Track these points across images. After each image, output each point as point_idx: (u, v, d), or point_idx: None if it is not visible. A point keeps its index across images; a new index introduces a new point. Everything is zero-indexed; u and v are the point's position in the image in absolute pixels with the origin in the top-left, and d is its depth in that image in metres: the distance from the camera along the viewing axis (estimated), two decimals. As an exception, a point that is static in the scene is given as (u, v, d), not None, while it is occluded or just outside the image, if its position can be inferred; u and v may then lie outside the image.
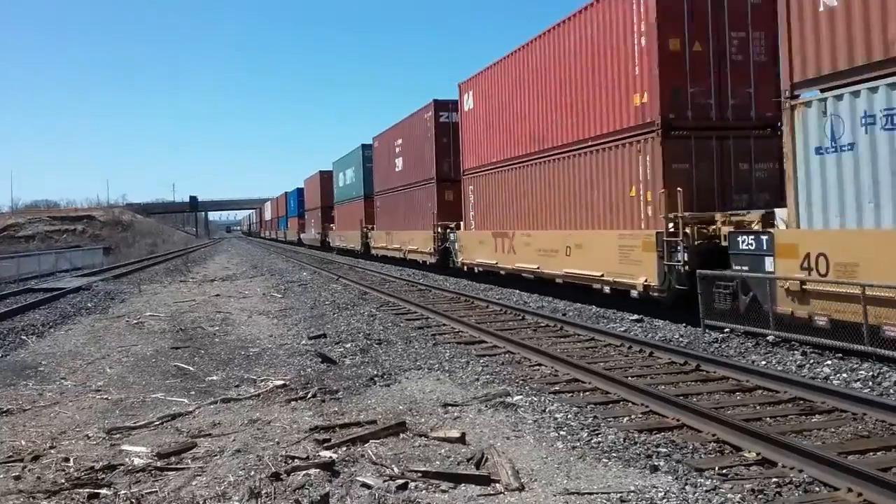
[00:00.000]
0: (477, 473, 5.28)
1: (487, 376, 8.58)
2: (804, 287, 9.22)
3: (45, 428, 7.06)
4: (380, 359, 9.86)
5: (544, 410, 7.00)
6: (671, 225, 11.75)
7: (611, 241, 13.41)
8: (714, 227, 11.43)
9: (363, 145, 36.12)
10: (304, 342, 11.59)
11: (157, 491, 5.21)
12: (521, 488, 5.00)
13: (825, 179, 9.07)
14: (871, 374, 7.87)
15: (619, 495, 4.78)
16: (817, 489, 5.01)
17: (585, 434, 6.22)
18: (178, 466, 5.72)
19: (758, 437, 5.78)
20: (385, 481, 5.15)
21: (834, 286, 8.74)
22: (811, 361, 8.65)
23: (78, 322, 15.33)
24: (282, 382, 8.47)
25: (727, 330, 10.44)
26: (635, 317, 12.61)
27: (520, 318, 13.56)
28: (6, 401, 8.23)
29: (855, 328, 8.41)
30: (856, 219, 8.66)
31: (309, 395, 7.82)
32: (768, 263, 9.83)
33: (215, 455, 5.94)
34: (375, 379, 8.54)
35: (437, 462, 5.59)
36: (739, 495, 4.80)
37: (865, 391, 7.31)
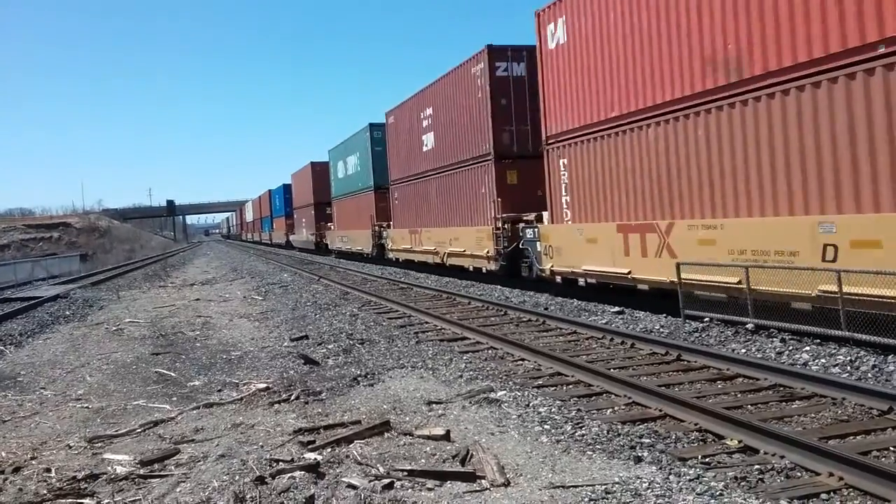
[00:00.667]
0: (462, 470, 5.28)
1: (471, 373, 8.59)
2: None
3: (25, 438, 6.98)
4: (363, 358, 9.84)
5: (528, 405, 7.03)
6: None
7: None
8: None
9: (371, 125, 29.99)
10: (286, 344, 11.54)
11: (140, 499, 5.17)
12: (507, 483, 5.01)
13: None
14: (849, 358, 7.97)
15: (603, 487, 4.80)
16: (799, 474, 5.07)
17: (569, 427, 6.25)
18: (162, 473, 5.67)
19: (739, 425, 5.84)
20: (371, 481, 5.14)
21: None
22: (790, 348, 8.75)
23: (56, 330, 15.16)
24: (264, 385, 8.43)
25: (707, 319, 10.53)
26: (616, 309, 12.68)
27: (502, 313, 13.59)
28: (-15, 413, 8.12)
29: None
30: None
31: (292, 398, 7.79)
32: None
33: (199, 461, 5.90)
34: (359, 379, 8.52)
35: (423, 460, 5.60)
36: (723, 483, 4.85)
37: (844, 376, 7.40)
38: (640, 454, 5.50)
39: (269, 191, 69.58)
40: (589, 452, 5.60)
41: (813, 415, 6.37)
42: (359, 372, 8.87)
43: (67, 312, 18.20)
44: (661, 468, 5.17)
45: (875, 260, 8.00)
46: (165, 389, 8.88)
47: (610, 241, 13.02)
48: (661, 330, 10.68)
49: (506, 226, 17.49)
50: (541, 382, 8.10)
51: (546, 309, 13.55)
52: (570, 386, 7.94)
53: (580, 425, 6.30)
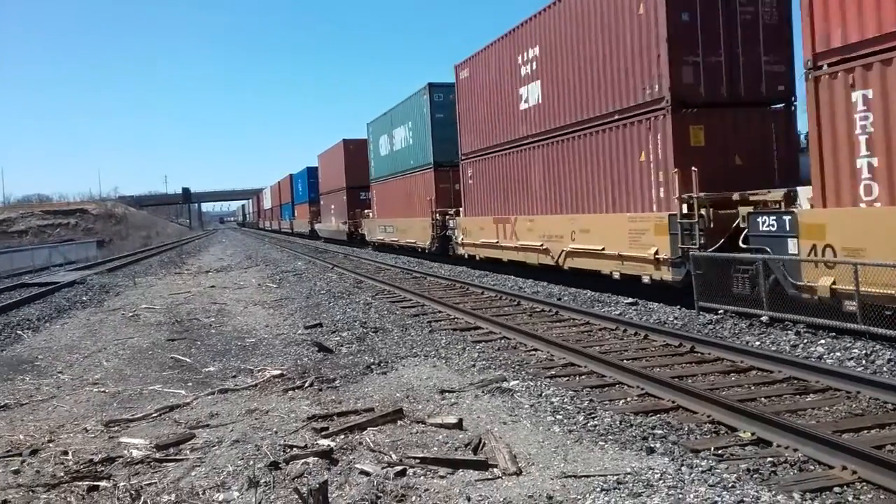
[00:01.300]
0: (474, 459, 5.31)
1: (483, 362, 8.61)
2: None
3: (42, 422, 7.07)
4: (376, 347, 9.88)
5: (540, 395, 7.04)
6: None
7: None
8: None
9: (431, 86, 24.22)
10: (300, 332, 11.60)
11: (156, 482, 5.23)
12: (519, 472, 5.03)
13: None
14: (864, 352, 7.92)
15: (615, 477, 4.81)
16: (812, 468, 5.06)
17: (582, 417, 6.26)
18: (177, 458, 5.74)
19: (753, 417, 5.82)
20: (383, 468, 5.17)
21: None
22: (805, 341, 8.70)
23: (73, 316, 15.31)
24: (279, 372, 8.49)
25: (721, 311, 10.48)
26: (630, 300, 12.65)
27: (515, 303, 13.59)
28: (3, 395, 8.24)
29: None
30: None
31: (306, 385, 7.84)
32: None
33: (214, 446, 5.96)
34: (372, 367, 8.56)
35: (435, 448, 5.62)
36: (735, 475, 4.84)
37: (859, 370, 7.36)
38: (652, 445, 5.50)
39: (291, 175, 62.92)
40: (601, 443, 5.61)
41: (827, 408, 6.34)
42: (372, 360, 8.91)
43: (84, 298, 18.38)
44: (673, 459, 5.16)
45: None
46: (181, 375, 8.96)
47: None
48: (675, 321, 10.65)
49: (701, 211, 11.13)
50: (553, 372, 8.11)
51: (559, 299, 13.53)
52: (583, 376, 7.94)
53: (592, 415, 6.30)
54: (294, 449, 5.65)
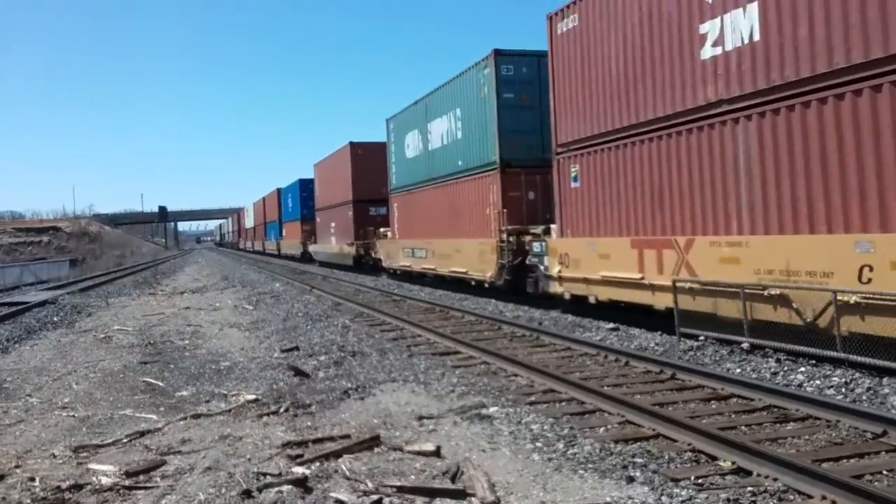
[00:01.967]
0: (452, 487, 5.21)
1: (463, 388, 8.51)
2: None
3: (10, 446, 6.87)
4: (354, 371, 9.75)
5: (520, 422, 6.96)
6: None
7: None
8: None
9: (498, 54, 17.72)
10: (276, 355, 11.44)
11: (124, 511, 5.07)
12: (497, 501, 4.94)
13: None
14: (843, 380, 7.94)
15: (596, 508, 4.74)
16: (792, 497, 5.01)
17: (562, 445, 6.19)
18: (147, 485, 5.58)
19: (733, 446, 5.78)
20: (359, 497, 5.06)
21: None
22: (785, 368, 8.71)
23: (44, 337, 15.01)
24: (253, 397, 8.33)
25: (702, 337, 10.48)
26: (611, 325, 12.63)
27: (496, 328, 13.52)
28: (-32, 419, 8.00)
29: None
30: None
31: (281, 410, 7.70)
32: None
33: (185, 473, 5.80)
34: (349, 392, 8.43)
35: (413, 476, 5.52)
36: (717, 505, 4.78)
37: (839, 398, 7.36)
38: (632, 474, 5.44)
39: (279, 190, 56.11)
40: (581, 471, 5.54)
41: (807, 437, 6.32)
42: (349, 385, 8.79)
43: (55, 318, 18.03)
44: (653, 488, 5.11)
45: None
46: (153, 399, 8.77)
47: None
48: (656, 348, 10.63)
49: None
50: (533, 399, 8.02)
51: (540, 324, 13.49)
52: (563, 403, 7.87)
53: (572, 443, 6.23)
54: (268, 477, 5.51)
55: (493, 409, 7.41)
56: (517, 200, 17.53)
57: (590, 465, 5.66)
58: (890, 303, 7.86)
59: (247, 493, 5.17)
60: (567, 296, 14.62)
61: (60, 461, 6.34)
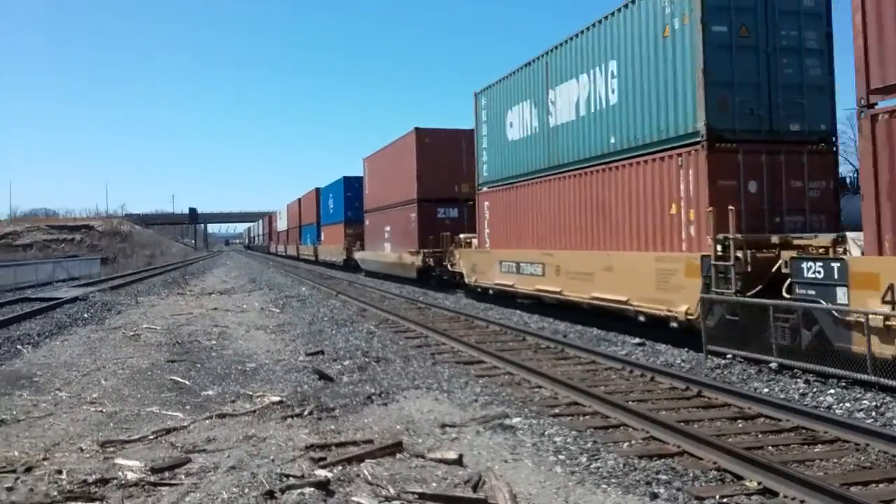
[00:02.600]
0: (474, 496, 5.20)
1: (486, 397, 8.50)
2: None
3: (38, 439, 6.98)
4: (378, 377, 9.77)
5: (543, 433, 6.93)
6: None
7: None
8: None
9: None
10: (301, 358, 11.51)
11: (149, 507, 5.13)
12: (520, 513, 4.92)
13: None
14: (874, 404, 7.80)
15: (619, 523, 4.70)
16: (820, 521, 4.93)
17: (585, 459, 6.15)
18: (172, 482, 5.64)
19: (759, 466, 5.71)
20: (380, 502, 5.07)
21: None
22: (814, 390, 8.58)
23: (74, 333, 15.24)
24: (278, 399, 8.39)
25: (729, 356, 10.36)
26: (637, 340, 12.54)
27: (520, 338, 13.48)
28: (0, 411, 8.14)
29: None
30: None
31: (305, 413, 7.74)
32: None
33: (209, 471, 5.85)
34: (373, 397, 8.45)
35: (434, 484, 5.51)
36: (742, 525, 4.72)
37: (868, 421, 7.23)
38: (656, 490, 5.39)
39: (317, 189, 50.87)
40: (604, 485, 5.50)
41: (835, 459, 6.22)
42: (373, 390, 8.81)
43: (86, 315, 18.32)
44: (678, 506, 5.05)
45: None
46: (179, 397, 8.86)
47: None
48: (683, 364, 10.53)
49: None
50: (557, 411, 7.98)
51: (565, 336, 13.42)
52: (587, 416, 7.82)
53: (596, 457, 6.19)
54: (290, 478, 5.54)
55: (516, 420, 7.38)
56: (730, 193, 11.48)
57: (613, 480, 5.62)
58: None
59: (269, 494, 5.20)
60: None
61: (87, 455, 6.42)
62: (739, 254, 10.56)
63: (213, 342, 13.57)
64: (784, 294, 9.85)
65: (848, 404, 7.91)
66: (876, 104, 8.67)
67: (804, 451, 6.49)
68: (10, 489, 5.49)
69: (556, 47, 16.40)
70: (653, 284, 12.43)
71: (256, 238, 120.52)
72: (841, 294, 8.89)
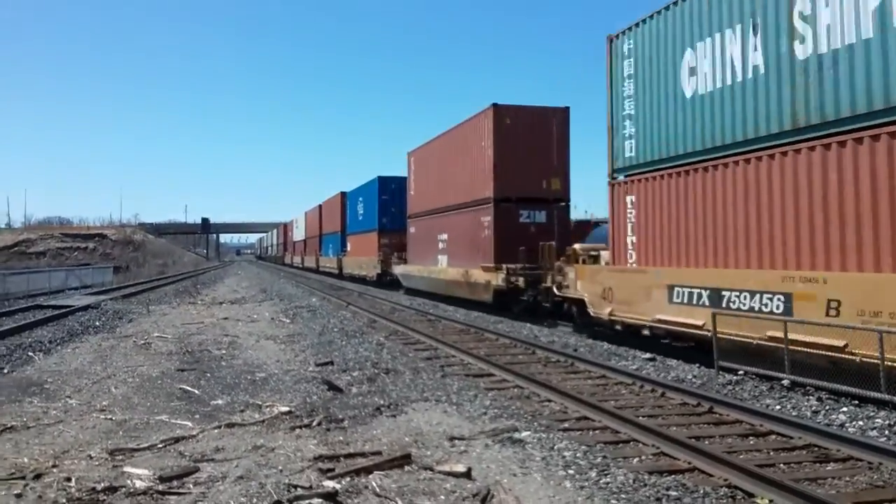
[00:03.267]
0: (483, 510, 5.17)
1: (496, 410, 8.46)
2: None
3: (48, 446, 7.00)
4: (387, 388, 9.76)
5: (553, 448, 6.89)
6: None
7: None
8: None
9: None
10: (310, 369, 11.51)
11: (157, 516, 5.12)
12: (529, 528, 4.88)
13: None
14: (888, 422, 7.71)
15: (628, 539, 4.65)
16: (833, 540, 4.87)
17: (594, 474, 6.10)
18: (180, 491, 5.63)
19: (771, 484, 5.65)
20: (389, 515, 5.04)
21: None
22: (827, 407, 8.50)
23: (85, 340, 15.31)
24: (287, 409, 8.39)
25: (741, 372, 10.29)
26: (648, 355, 12.47)
27: (530, 352, 13.43)
28: (11, 417, 8.18)
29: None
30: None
31: (314, 423, 7.73)
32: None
33: (217, 481, 5.85)
34: (382, 409, 8.43)
35: (442, 497, 5.49)
36: (753, 544, 4.67)
37: (882, 440, 7.15)
38: (666, 507, 5.34)
39: (343, 193, 45.58)
40: (613, 501, 5.46)
41: (848, 478, 6.15)
42: (382, 402, 8.79)
43: (97, 323, 18.40)
44: (688, 523, 5.00)
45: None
46: (189, 406, 8.87)
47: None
48: (694, 380, 10.46)
49: None
50: (567, 425, 7.94)
51: (575, 350, 13.36)
52: (597, 431, 7.77)
53: (605, 472, 6.14)
54: (298, 489, 5.52)
55: (525, 434, 7.34)
56: None
57: (623, 496, 5.57)
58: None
59: (277, 505, 5.19)
60: None
61: (96, 463, 6.43)
62: None
63: (223, 351, 13.59)
64: None
65: (861, 422, 7.83)
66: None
67: (816, 469, 6.42)
68: (18, 496, 5.50)
69: None
70: None
71: (270, 248, 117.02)
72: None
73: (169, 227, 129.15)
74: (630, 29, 14.26)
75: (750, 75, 10.95)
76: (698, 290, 11.75)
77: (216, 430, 7.56)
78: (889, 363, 8.12)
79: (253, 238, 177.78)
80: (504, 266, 19.43)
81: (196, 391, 9.76)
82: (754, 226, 10.77)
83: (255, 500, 5.32)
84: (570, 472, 6.16)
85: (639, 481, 5.93)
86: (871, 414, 8.08)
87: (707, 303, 11.43)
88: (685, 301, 12.04)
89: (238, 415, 8.32)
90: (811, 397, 8.95)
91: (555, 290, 16.82)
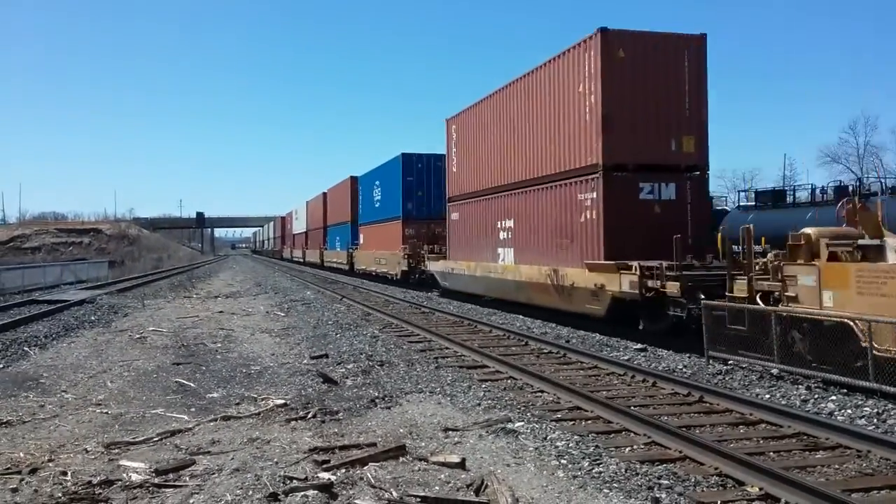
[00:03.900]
0: (476, 500, 5.23)
1: (489, 401, 8.53)
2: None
3: (44, 440, 7.04)
4: (381, 380, 9.81)
5: (545, 438, 6.95)
6: None
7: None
8: None
9: None
10: (305, 361, 11.56)
11: (153, 508, 5.17)
12: (521, 516, 4.95)
13: None
14: (875, 410, 7.80)
15: (619, 527, 4.72)
16: (820, 526, 4.94)
17: (587, 463, 6.17)
18: (176, 484, 5.68)
19: (761, 472, 5.72)
20: (383, 505, 5.10)
21: None
22: (815, 396, 8.59)
23: (81, 335, 15.32)
24: (282, 402, 8.44)
25: (731, 362, 10.38)
26: (639, 346, 12.55)
27: (523, 343, 13.50)
28: (6, 412, 8.21)
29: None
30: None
31: (309, 416, 7.79)
32: None
33: (213, 473, 5.90)
34: (376, 401, 8.49)
35: (437, 487, 5.55)
36: (741, 530, 4.74)
37: (870, 428, 7.23)
38: (658, 495, 5.41)
39: (353, 178, 40.22)
40: (606, 490, 5.52)
41: (837, 466, 6.23)
42: (377, 394, 8.85)
43: (93, 318, 18.41)
44: (678, 511, 5.06)
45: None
46: (184, 400, 8.91)
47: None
48: (684, 370, 10.54)
49: None
50: (559, 416, 8.01)
51: (567, 341, 13.44)
52: (590, 421, 7.84)
53: (598, 462, 6.21)
54: (294, 481, 5.58)
55: (518, 424, 7.41)
56: None
57: (615, 485, 5.64)
58: None
59: (273, 497, 5.25)
60: None
61: (92, 457, 6.48)
62: None
63: (219, 345, 13.63)
64: None
65: (849, 411, 7.92)
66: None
67: (806, 458, 6.50)
68: (14, 490, 5.54)
69: None
70: None
71: (266, 242, 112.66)
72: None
73: (164, 222, 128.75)
74: None
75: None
76: None
77: (212, 423, 7.61)
78: (878, 353, 8.21)
79: (248, 232, 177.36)
80: (635, 264, 13.11)
81: (192, 384, 9.80)
82: None
83: (250, 492, 5.37)
84: (563, 461, 6.23)
85: (630, 470, 6.00)
86: (860, 402, 8.17)
87: None
88: None
89: (234, 408, 8.37)
90: (800, 386, 9.03)
91: (758, 301, 10.70)
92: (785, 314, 9.84)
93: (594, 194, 14.75)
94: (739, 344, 10.41)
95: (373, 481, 5.60)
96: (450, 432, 7.12)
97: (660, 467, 6.14)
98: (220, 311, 20.40)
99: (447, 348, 13.07)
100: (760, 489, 5.56)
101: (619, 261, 13.65)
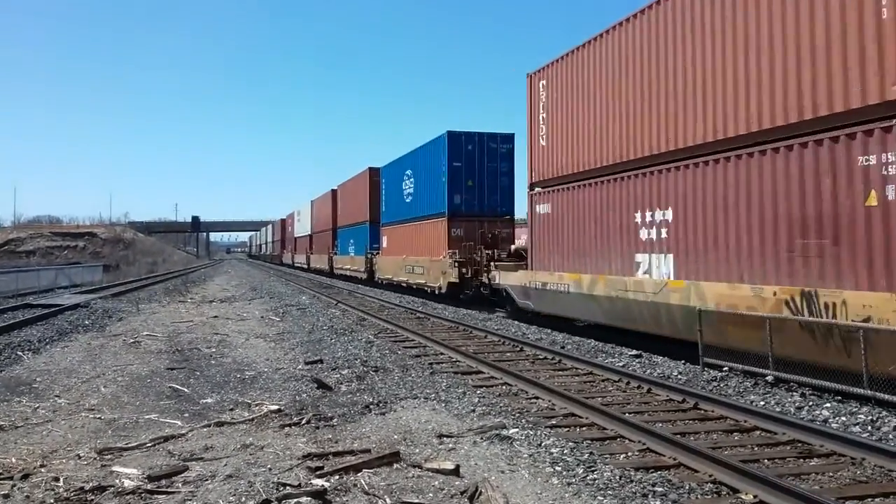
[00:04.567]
0: (470, 507, 5.21)
1: (484, 408, 8.51)
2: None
3: (36, 446, 7.00)
4: (376, 386, 9.79)
5: (540, 444, 6.94)
6: None
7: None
8: None
9: None
10: (300, 367, 11.53)
11: (146, 514, 5.15)
12: (515, 524, 4.93)
13: None
14: (870, 418, 7.81)
15: (613, 534, 4.71)
16: (815, 534, 4.93)
17: (581, 470, 6.16)
18: (169, 490, 5.65)
19: (755, 479, 5.71)
20: (377, 512, 5.08)
21: None
22: (810, 403, 8.59)
23: (74, 339, 15.27)
24: (276, 407, 8.41)
25: (726, 368, 10.38)
26: (634, 352, 12.55)
27: (518, 349, 13.49)
28: (-2, 417, 8.17)
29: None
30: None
31: (303, 422, 7.76)
32: None
33: (206, 480, 5.87)
34: (371, 407, 8.47)
35: (431, 494, 5.53)
36: (736, 538, 4.73)
37: (864, 435, 7.24)
38: (652, 502, 5.40)
39: (372, 170, 34.42)
40: (600, 497, 5.51)
41: (831, 473, 6.22)
42: (371, 400, 8.83)
43: (87, 322, 18.35)
44: (672, 518, 5.05)
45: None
46: (178, 405, 8.88)
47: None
48: (679, 377, 10.54)
49: None
50: (554, 422, 8.00)
51: (563, 347, 13.43)
52: (584, 428, 7.83)
53: (592, 469, 6.20)
54: (287, 487, 5.56)
55: (513, 431, 7.40)
56: None
57: (609, 492, 5.63)
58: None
59: (266, 503, 5.22)
60: None
61: (85, 462, 6.45)
62: None
63: (213, 350, 13.59)
64: None
65: (844, 418, 7.92)
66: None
67: (800, 465, 6.50)
68: (6, 496, 5.51)
69: None
70: None
71: (264, 246, 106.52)
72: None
73: (159, 226, 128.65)
74: None
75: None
76: None
77: (205, 429, 7.58)
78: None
79: (244, 236, 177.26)
80: None
81: (186, 390, 9.77)
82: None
83: (243, 498, 5.35)
84: (558, 468, 6.21)
85: (625, 477, 5.99)
86: (854, 410, 8.18)
87: None
88: None
89: (227, 413, 8.35)
90: (795, 393, 9.04)
91: None
92: None
93: None
94: None
95: (366, 488, 5.58)
96: (444, 438, 7.11)
97: (654, 474, 6.13)
98: (215, 316, 20.35)
99: (442, 353, 13.05)
100: (755, 496, 5.55)
101: None
